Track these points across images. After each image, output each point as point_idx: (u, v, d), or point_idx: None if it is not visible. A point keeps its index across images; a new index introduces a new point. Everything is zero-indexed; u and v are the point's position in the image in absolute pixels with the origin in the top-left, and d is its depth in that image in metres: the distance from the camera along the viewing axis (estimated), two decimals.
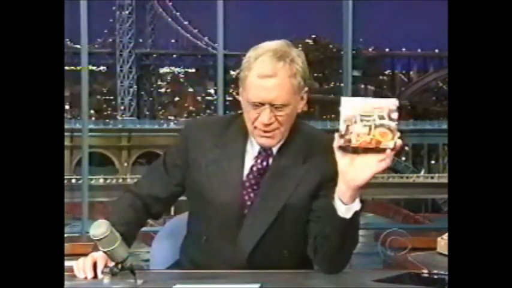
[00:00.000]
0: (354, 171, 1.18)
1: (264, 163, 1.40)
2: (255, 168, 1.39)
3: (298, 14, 20.92)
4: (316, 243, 1.32)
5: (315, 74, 20.52)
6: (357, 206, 1.23)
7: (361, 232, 1.40)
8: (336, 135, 1.17)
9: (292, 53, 1.37)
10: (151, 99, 24.33)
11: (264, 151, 1.40)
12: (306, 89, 1.40)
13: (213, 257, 1.40)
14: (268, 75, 1.33)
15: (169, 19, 23.58)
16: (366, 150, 1.17)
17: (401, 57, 24.03)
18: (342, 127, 1.15)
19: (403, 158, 21.50)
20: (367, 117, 1.15)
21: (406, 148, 21.33)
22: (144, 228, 1.51)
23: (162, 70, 24.66)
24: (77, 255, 1.32)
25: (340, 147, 1.17)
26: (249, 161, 1.40)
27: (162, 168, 1.47)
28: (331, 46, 21.98)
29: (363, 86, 21.65)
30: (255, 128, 1.35)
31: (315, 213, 1.34)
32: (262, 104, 1.33)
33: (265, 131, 1.34)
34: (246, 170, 1.39)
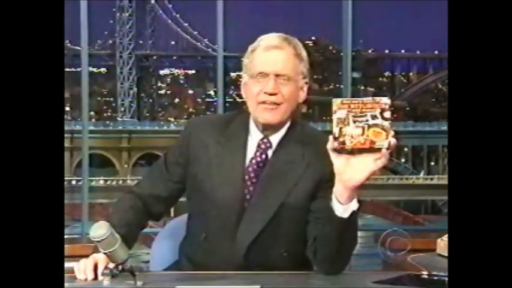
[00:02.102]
0: (350, 171, 1.18)
1: (263, 156, 1.40)
2: (254, 161, 1.40)
3: (298, 15, 20.95)
4: (316, 244, 1.32)
5: (315, 76, 20.55)
6: (354, 205, 1.23)
7: (360, 233, 1.40)
8: (330, 137, 1.17)
9: (296, 40, 1.43)
10: (151, 100, 24.38)
11: (264, 143, 1.40)
12: (307, 80, 1.42)
13: (212, 255, 1.40)
14: (275, 46, 1.38)
15: (169, 21, 23.63)
16: (361, 150, 1.16)
17: (400, 59, 24.08)
18: (335, 129, 1.15)
19: (403, 160, 21.53)
20: (359, 118, 1.15)
21: (406, 149, 21.37)
22: (144, 230, 1.51)
23: (162, 72, 24.72)
24: (77, 257, 1.32)
25: (335, 150, 1.17)
26: (250, 154, 1.41)
27: (163, 167, 1.48)
28: (330, 48, 22.01)
29: (362, 87, 21.68)
30: (259, 103, 1.36)
31: (313, 214, 1.34)
32: (267, 75, 1.35)
33: (269, 103, 1.35)
34: (246, 164, 1.40)
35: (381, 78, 24.07)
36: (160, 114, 24.43)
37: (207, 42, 22.66)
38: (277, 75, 1.35)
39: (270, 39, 1.40)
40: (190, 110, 24.37)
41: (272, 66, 1.36)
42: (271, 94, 1.35)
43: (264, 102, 1.36)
